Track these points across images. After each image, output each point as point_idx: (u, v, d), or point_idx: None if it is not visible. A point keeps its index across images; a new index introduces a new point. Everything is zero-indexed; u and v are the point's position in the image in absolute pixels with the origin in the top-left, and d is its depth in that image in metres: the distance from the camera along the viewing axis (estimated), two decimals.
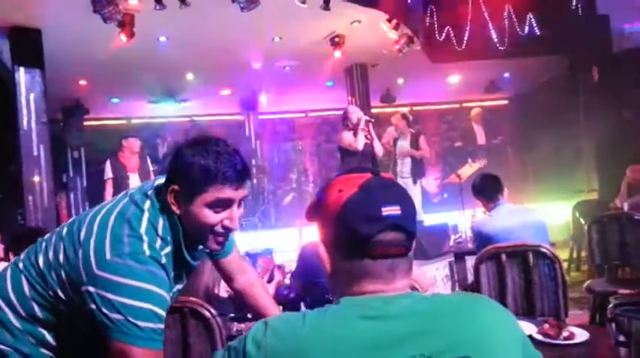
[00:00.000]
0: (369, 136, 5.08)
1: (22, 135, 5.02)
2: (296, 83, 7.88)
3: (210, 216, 1.27)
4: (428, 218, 6.09)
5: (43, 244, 1.34)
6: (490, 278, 2.47)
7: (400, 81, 8.76)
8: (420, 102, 10.32)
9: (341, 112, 5.50)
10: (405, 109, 8.50)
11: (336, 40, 6.34)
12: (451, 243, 4.03)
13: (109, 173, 5.56)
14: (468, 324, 0.83)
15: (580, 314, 3.45)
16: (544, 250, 2.40)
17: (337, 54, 6.43)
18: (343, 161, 5.22)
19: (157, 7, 4.67)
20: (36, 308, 1.29)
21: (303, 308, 2.25)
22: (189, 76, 7.28)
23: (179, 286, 1.42)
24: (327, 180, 1.38)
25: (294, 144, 9.69)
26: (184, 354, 1.74)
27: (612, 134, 6.68)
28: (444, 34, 7.13)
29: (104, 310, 1.16)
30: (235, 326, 2.17)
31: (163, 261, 1.25)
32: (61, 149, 7.52)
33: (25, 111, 5.03)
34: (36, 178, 5.05)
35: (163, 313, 1.21)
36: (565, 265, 4.58)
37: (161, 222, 1.29)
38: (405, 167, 6.22)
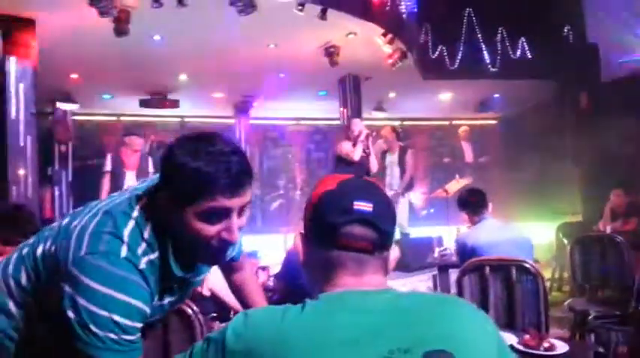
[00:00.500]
0: (367, 150, 5.24)
1: (10, 125, 4.95)
2: (289, 90, 7.90)
3: (204, 229, 1.09)
4: (414, 231, 6.12)
5: (47, 233, 1.26)
6: (473, 291, 2.48)
7: (392, 95, 8.84)
8: (411, 117, 10.42)
9: (333, 122, 5.61)
10: (396, 123, 8.59)
11: (331, 50, 6.39)
12: (436, 255, 4.05)
13: (107, 166, 5.51)
14: (445, 320, 0.85)
15: (560, 333, 3.47)
16: (527, 266, 2.42)
17: (331, 63, 6.46)
18: (336, 169, 5.29)
19: (154, 5, 4.66)
20: (21, 297, 1.23)
21: None
22: (182, 77, 7.27)
23: (170, 299, 1.27)
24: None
25: (283, 151, 9.69)
26: (164, 351, 1.72)
27: (597, 159, 6.80)
28: (437, 52, 7.23)
29: (69, 312, 1.05)
30: (217, 325, 2.15)
31: (142, 266, 1.11)
32: (47, 142, 7.43)
33: (13, 101, 4.97)
34: (21, 169, 4.99)
35: (130, 323, 1.07)
36: (547, 285, 4.62)
37: (150, 225, 1.15)
38: (394, 179, 6.27)
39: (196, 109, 9.14)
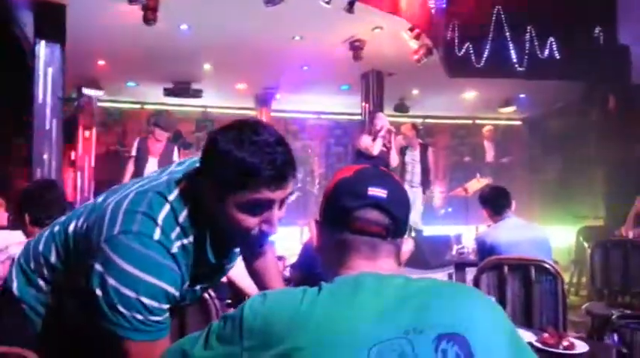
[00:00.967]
0: (387, 144, 5.23)
1: (36, 108, 5.04)
2: (311, 84, 7.90)
3: (245, 219, 1.08)
4: (432, 230, 6.08)
5: (80, 210, 1.26)
6: (490, 289, 2.46)
7: (415, 92, 8.77)
8: (433, 115, 10.33)
9: (354, 117, 5.61)
10: (418, 121, 8.53)
11: (356, 44, 6.36)
12: (454, 252, 4.02)
13: (133, 151, 5.63)
14: (459, 305, 0.85)
15: (577, 337, 3.42)
16: (547, 266, 2.39)
17: (356, 58, 6.44)
18: (356, 162, 5.29)
19: None
20: (50, 274, 1.25)
21: None
22: (207, 67, 7.31)
23: (203, 285, 1.26)
24: None
25: (303, 144, 9.70)
26: (180, 334, 1.74)
27: (623, 164, 6.66)
28: (463, 50, 7.14)
29: (98, 290, 1.05)
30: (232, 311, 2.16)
31: (174, 250, 1.10)
32: (72, 127, 7.57)
33: (41, 85, 5.05)
34: (45, 152, 5.08)
35: (157, 304, 1.06)
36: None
37: (187, 210, 1.13)
38: (415, 177, 6.25)
39: (218, 100, 9.20)
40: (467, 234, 4.64)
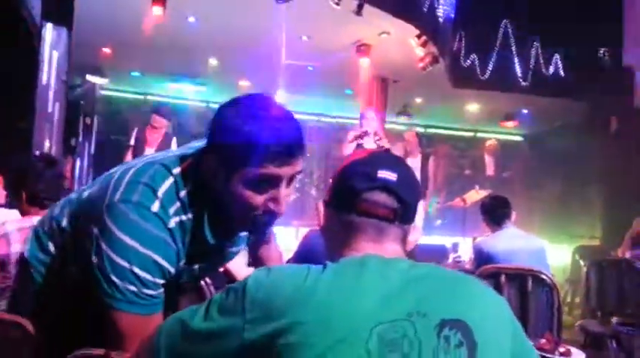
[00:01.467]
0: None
1: (40, 90, 5.01)
2: (315, 85, 7.89)
3: (250, 196, 1.05)
4: (429, 240, 6.05)
5: (100, 178, 1.24)
6: None
7: (419, 100, 8.77)
8: (435, 125, 10.34)
9: (355, 121, 5.45)
10: (420, 129, 8.52)
11: (362, 48, 6.37)
12: (450, 261, 4.01)
13: (131, 141, 5.62)
14: (462, 293, 0.85)
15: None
16: (544, 277, 2.38)
17: (361, 62, 6.44)
18: None
19: None
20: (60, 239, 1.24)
21: None
22: (212, 61, 7.30)
23: (201, 265, 1.23)
24: None
25: None
26: (173, 311, 1.71)
27: (622, 185, 6.66)
28: (469, 61, 7.15)
29: (93, 257, 1.05)
30: None
31: (171, 225, 1.07)
32: (74, 113, 7.53)
33: (45, 67, 5.03)
34: (46, 135, 5.05)
35: (150, 277, 1.04)
36: None
37: (190, 185, 1.11)
38: None
39: (221, 96, 9.17)
40: (463, 244, 4.63)
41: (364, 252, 0.89)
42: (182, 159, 1.14)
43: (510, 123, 9.18)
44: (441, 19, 6.21)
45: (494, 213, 2.99)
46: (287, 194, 1.08)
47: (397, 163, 0.95)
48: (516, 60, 7.27)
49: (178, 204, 1.10)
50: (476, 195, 5.83)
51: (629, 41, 7.40)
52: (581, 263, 5.07)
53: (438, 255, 4.46)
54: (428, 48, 6.15)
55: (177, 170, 1.12)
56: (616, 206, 6.74)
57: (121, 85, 8.91)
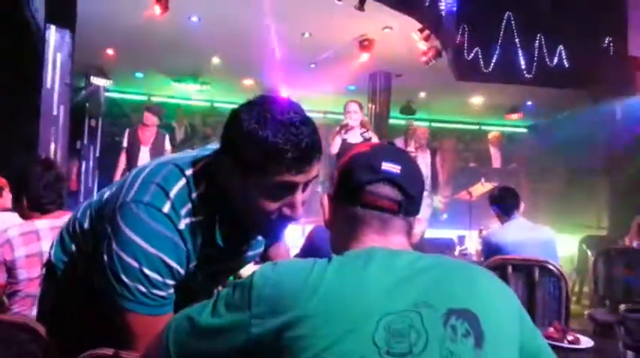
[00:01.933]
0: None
1: (44, 93, 5.03)
2: (318, 82, 7.89)
3: (266, 203, 1.03)
4: (434, 233, 6.04)
5: (112, 184, 1.27)
6: None
7: (422, 94, 8.75)
8: (439, 119, 10.31)
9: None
10: (424, 124, 8.50)
11: (365, 43, 6.36)
12: (456, 253, 4.00)
13: (124, 143, 5.61)
14: (469, 283, 0.85)
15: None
16: (551, 267, 2.38)
17: (364, 57, 6.43)
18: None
19: None
20: (82, 240, 1.26)
21: None
22: (215, 60, 7.32)
23: (215, 268, 1.21)
24: None
25: None
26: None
27: (628, 174, 6.63)
28: (472, 54, 7.12)
29: (105, 255, 1.05)
30: None
31: (181, 226, 1.06)
32: (79, 116, 7.56)
33: (50, 70, 5.05)
34: (51, 138, 5.07)
35: (160, 278, 1.04)
36: None
37: (202, 187, 1.09)
38: (425, 180, 6.18)
39: (225, 95, 9.19)
40: (469, 236, 4.62)
41: (370, 245, 0.89)
42: (196, 160, 1.14)
43: (515, 116, 9.15)
44: (443, 13, 6.19)
45: (504, 203, 2.98)
46: (303, 199, 1.06)
47: (401, 156, 0.95)
48: (520, 52, 7.23)
49: (190, 205, 1.09)
50: (481, 187, 5.81)
51: (634, 30, 7.35)
52: (589, 253, 5.05)
53: (444, 248, 4.45)
54: (431, 42, 6.14)
55: (190, 171, 1.11)
56: (622, 195, 6.72)
57: (124, 87, 8.95)
